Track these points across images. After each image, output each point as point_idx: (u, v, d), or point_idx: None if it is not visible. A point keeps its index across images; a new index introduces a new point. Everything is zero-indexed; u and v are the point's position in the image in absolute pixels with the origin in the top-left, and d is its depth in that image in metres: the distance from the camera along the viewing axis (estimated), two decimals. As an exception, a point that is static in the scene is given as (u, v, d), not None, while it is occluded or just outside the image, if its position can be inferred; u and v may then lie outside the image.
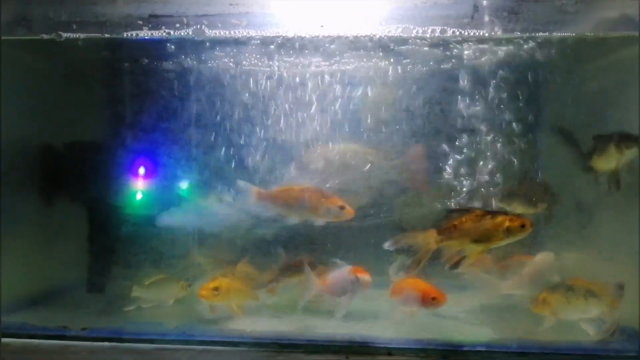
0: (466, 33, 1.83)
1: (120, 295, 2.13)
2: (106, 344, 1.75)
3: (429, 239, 1.75)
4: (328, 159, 2.05)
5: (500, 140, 2.05)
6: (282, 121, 2.07)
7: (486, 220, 1.73)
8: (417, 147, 2.09)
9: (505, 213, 1.76)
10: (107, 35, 1.90)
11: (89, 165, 2.18)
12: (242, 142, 2.10)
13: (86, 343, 1.76)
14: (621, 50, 1.92)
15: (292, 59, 2.01)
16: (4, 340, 1.78)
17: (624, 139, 1.84)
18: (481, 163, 2.06)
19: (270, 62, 2.03)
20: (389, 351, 1.71)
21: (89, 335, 1.79)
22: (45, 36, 1.91)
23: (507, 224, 1.70)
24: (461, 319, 1.96)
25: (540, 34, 1.86)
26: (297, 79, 2.05)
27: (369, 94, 2.08)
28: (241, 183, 1.92)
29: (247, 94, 2.08)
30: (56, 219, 2.25)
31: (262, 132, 2.09)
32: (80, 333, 1.80)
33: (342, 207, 1.84)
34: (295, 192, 1.88)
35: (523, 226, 1.70)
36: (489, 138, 2.06)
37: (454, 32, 1.83)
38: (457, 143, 2.06)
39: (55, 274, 2.25)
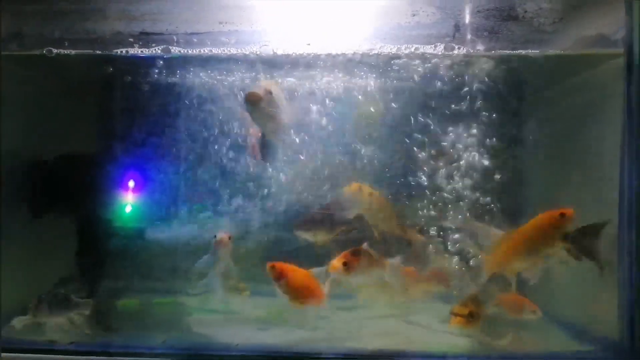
0: (447, 52, 1.89)
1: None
2: (94, 357, 1.76)
3: None
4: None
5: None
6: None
7: None
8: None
9: None
10: (98, 52, 1.94)
11: (79, 178, 2.19)
12: (232, 157, 2.15)
13: (74, 357, 1.77)
14: (598, 67, 1.98)
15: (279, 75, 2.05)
16: (-8, 354, 1.79)
17: None
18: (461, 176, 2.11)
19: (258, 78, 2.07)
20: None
21: (77, 349, 1.80)
22: (37, 52, 1.94)
23: None
24: (441, 330, 2.00)
25: (520, 51, 1.92)
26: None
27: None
28: None
29: (237, 110, 2.12)
30: (46, 233, 2.26)
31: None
32: (69, 347, 1.81)
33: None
34: None
35: None
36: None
37: (435, 50, 1.89)
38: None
39: (45, 288, 2.25)
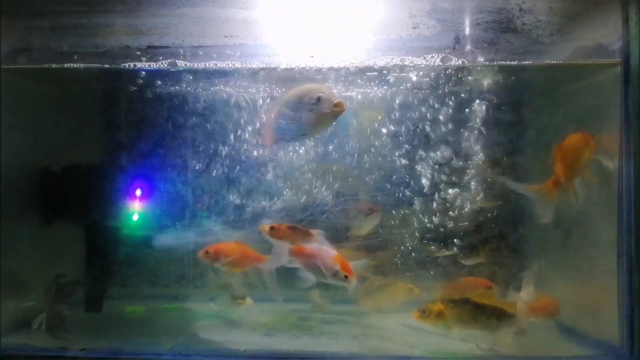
0: (448, 63, 1.92)
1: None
2: (104, 364, 1.80)
3: None
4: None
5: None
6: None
7: None
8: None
9: None
10: (106, 66, 1.97)
11: (87, 188, 2.23)
12: (236, 168, 2.19)
13: (85, 363, 1.80)
14: (595, 75, 2.01)
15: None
16: (4, 361, 1.83)
17: None
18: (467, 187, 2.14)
19: (263, 90, 2.10)
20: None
21: (87, 355, 1.82)
22: (46, 65, 1.98)
23: None
24: (446, 335, 2.03)
25: (518, 62, 1.94)
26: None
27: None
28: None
29: (240, 121, 2.16)
30: (56, 240, 2.30)
31: (256, 158, 2.17)
32: (79, 354, 1.83)
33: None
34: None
35: None
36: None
37: (435, 62, 1.92)
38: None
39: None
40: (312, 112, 1.71)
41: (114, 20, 1.94)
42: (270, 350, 1.88)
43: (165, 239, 2.23)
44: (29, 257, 2.20)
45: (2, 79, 1.95)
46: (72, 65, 1.96)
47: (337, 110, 1.70)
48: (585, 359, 1.84)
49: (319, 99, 1.70)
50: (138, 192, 2.24)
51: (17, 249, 2.12)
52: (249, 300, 2.19)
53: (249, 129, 2.16)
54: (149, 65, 1.97)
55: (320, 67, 1.98)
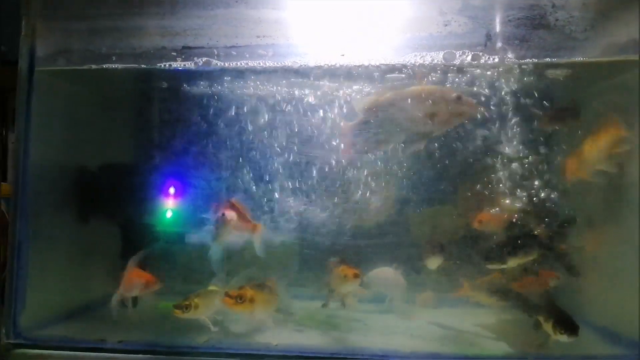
0: (480, 61, 1.92)
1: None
2: (141, 356, 1.85)
3: None
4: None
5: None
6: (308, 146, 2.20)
7: None
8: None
9: None
10: (143, 66, 2.03)
11: (123, 186, 2.30)
12: (267, 166, 2.23)
13: (123, 355, 1.85)
14: (629, 72, 1.97)
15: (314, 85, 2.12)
16: (46, 352, 1.89)
17: None
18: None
19: (295, 90, 2.14)
20: (408, 364, 1.79)
21: (125, 347, 1.88)
22: (84, 67, 2.04)
23: None
24: (478, 333, 2.02)
25: (550, 59, 1.93)
26: (320, 105, 2.17)
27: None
28: None
29: (273, 120, 2.20)
30: (92, 237, 2.37)
31: (289, 157, 2.21)
32: (117, 345, 1.89)
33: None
34: None
35: None
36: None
37: (467, 59, 1.92)
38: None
39: (92, 289, 2.36)
40: (450, 110, 1.73)
41: (150, 22, 2.00)
42: (301, 345, 1.90)
43: (200, 235, 2.27)
44: (66, 254, 2.28)
45: (40, 80, 2.02)
46: (110, 66, 2.02)
47: (476, 112, 1.78)
48: (617, 358, 1.81)
49: (459, 98, 1.73)
50: (172, 190, 2.29)
51: (55, 246, 2.19)
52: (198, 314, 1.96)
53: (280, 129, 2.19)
54: (184, 65, 2.02)
55: (351, 65, 2.00)
